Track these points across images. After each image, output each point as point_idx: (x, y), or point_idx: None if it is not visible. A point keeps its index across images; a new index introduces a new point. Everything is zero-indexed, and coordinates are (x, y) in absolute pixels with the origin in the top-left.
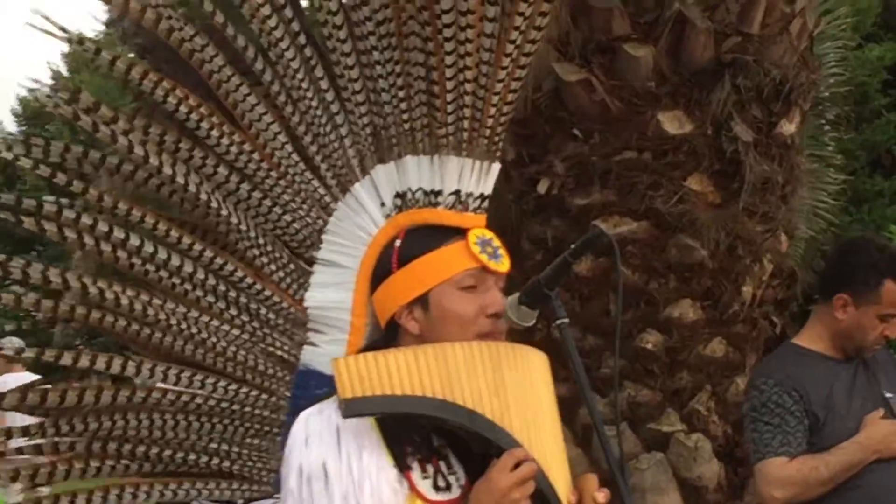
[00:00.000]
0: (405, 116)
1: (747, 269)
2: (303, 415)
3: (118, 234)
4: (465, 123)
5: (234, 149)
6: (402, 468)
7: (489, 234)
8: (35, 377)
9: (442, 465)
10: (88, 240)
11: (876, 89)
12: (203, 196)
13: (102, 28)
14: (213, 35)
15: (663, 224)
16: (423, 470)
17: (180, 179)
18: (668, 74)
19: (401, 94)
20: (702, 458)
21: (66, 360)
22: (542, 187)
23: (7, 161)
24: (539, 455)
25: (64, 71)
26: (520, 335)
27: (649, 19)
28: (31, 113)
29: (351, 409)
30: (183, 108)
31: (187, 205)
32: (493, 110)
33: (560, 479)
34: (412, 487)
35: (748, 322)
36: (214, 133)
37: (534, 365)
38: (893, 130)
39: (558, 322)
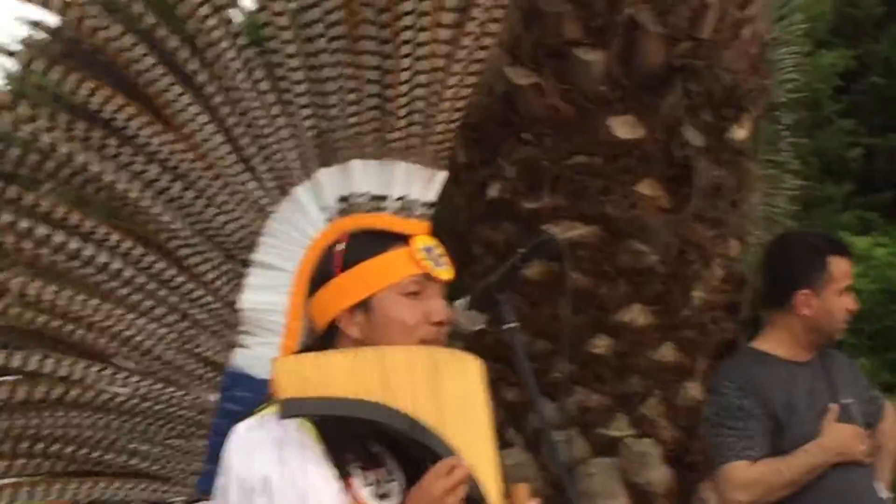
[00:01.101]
0: (353, 120)
1: (698, 274)
2: (241, 426)
3: (42, 230)
4: (417, 129)
5: (164, 148)
6: (343, 476)
7: (433, 242)
8: None
9: (382, 472)
10: (9, 237)
11: (828, 95)
12: (132, 194)
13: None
14: (143, 36)
15: (614, 229)
16: (365, 478)
17: (107, 177)
18: (620, 79)
19: (351, 97)
20: (651, 463)
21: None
22: (492, 191)
23: None
24: (473, 462)
25: None
26: (469, 339)
27: (601, 24)
28: None
29: (288, 409)
30: (109, 107)
31: (115, 203)
32: (443, 116)
33: (492, 489)
34: (354, 496)
35: (698, 327)
36: (144, 132)
37: (470, 371)
38: (845, 137)
39: (507, 326)
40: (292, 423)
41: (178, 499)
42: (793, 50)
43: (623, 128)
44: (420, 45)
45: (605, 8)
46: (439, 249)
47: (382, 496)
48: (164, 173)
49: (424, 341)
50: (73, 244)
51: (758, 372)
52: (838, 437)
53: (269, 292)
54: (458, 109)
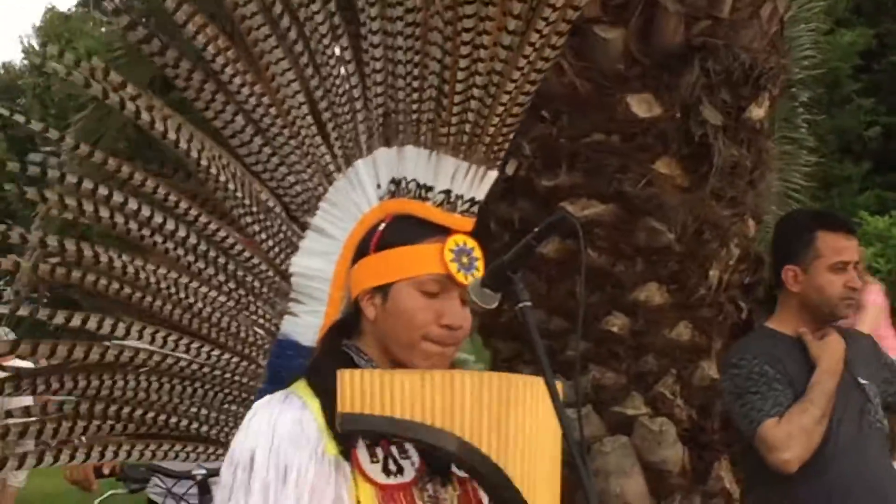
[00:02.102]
0: (414, 107)
1: (714, 253)
2: (258, 402)
3: (118, 198)
4: (468, 127)
5: (252, 100)
6: (348, 451)
7: (471, 244)
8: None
9: (394, 449)
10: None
11: (847, 74)
12: (203, 161)
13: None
14: None
15: (631, 207)
16: (373, 454)
17: (183, 145)
18: (638, 57)
19: (414, 84)
20: (666, 441)
21: (59, 319)
22: (509, 169)
23: None
24: (531, 495)
25: (35, 44)
26: (484, 317)
27: (620, 1)
28: (2, 86)
29: (348, 423)
30: (211, 49)
31: (186, 169)
32: (496, 120)
33: None
34: (359, 471)
35: (714, 306)
36: (237, 80)
37: (540, 398)
38: (864, 116)
39: (520, 305)
40: (298, 401)
41: None
42: (811, 28)
43: (641, 106)
44: (479, 47)
45: None
46: (476, 253)
47: (392, 472)
48: (249, 126)
49: (430, 340)
50: (145, 212)
51: (773, 348)
52: (835, 355)
53: (320, 258)
54: (513, 115)
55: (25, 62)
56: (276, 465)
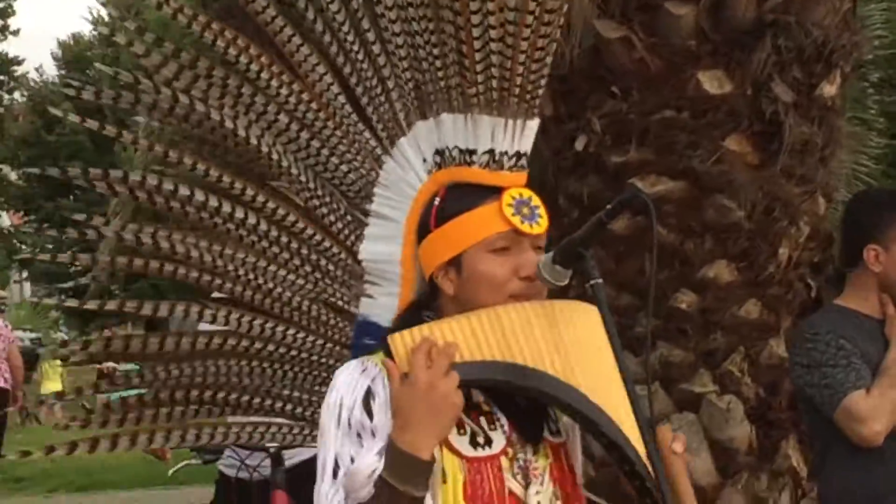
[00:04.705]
0: (440, 74)
1: (784, 231)
2: (346, 364)
3: (183, 191)
4: (494, 83)
5: (293, 98)
6: None
7: (527, 194)
8: None
9: (483, 420)
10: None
11: None
12: (265, 148)
13: None
14: None
15: (700, 184)
16: (460, 426)
17: (242, 132)
18: (709, 33)
19: (435, 51)
20: (734, 419)
21: (146, 310)
22: (579, 144)
23: (46, 104)
24: (611, 409)
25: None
26: (554, 295)
27: None
28: (72, 57)
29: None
30: (244, 58)
31: (251, 156)
32: (521, 69)
33: (633, 434)
34: (445, 443)
35: (783, 284)
36: (274, 82)
37: (589, 318)
38: None
39: (592, 283)
40: (374, 368)
41: None
42: (884, 7)
43: (712, 82)
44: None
45: None
46: (535, 201)
47: (480, 444)
48: (293, 122)
49: (514, 297)
50: (213, 202)
51: (844, 324)
52: None
53: (385, 242)
54: (536, 61)
55: (94, 33)
56: (359, 421)
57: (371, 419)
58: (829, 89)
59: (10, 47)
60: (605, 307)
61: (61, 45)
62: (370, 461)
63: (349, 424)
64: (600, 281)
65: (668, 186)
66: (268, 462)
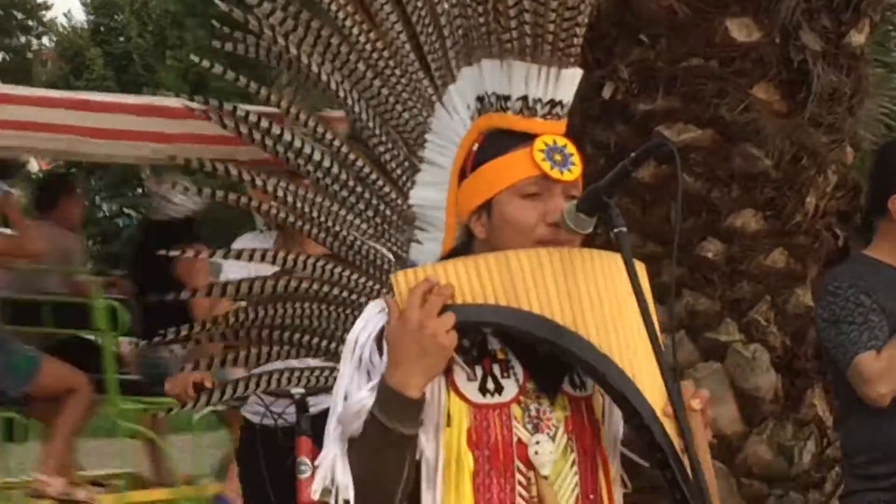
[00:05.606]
0: (481, 20)
1: (811, 179)
2: (370, 303)
3: (274, 128)
4: (528, 28)
5: (369, 46)
6: (445, 370)
7: (562, 141)
8: None
9: (496, 367)
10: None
11: None
12: (341, 93)
13: None
14: None
15: (728, 132)
16: (471, 372)
17: (324, 77)
18: None
19: None
20: (759, 368)
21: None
22: (606, 92)
23: (76, 50)
24: (624, 361)
25: None
26: (582, 244)
27: None
28: (100, 2)
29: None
30: (333, 5)
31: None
32: (553, 16)
33: (651, 388)
34: (454, 387)
35: (810, 233)
36: (356, 31)
37: (616, 271)
38: None
39: (616, 231)
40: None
41: None
42: None
43: (740, 30)
44: None
45: None
46: (569, 149)
47: (490, 391)
48: (368, 70)
49: (542, 242)
50: (297, 142)
51: (869, 276)
52: None
53: (434, 189)
54: (570, 8)
55: None
56: (368, 358)
57: (381, 357)
58: (857, 38)
59: None
60: (629, 256)
61: None
62: (361, 396)
63: (359, 361)
64: (625, 229)
65: (695, 135)
66: (293, 409)
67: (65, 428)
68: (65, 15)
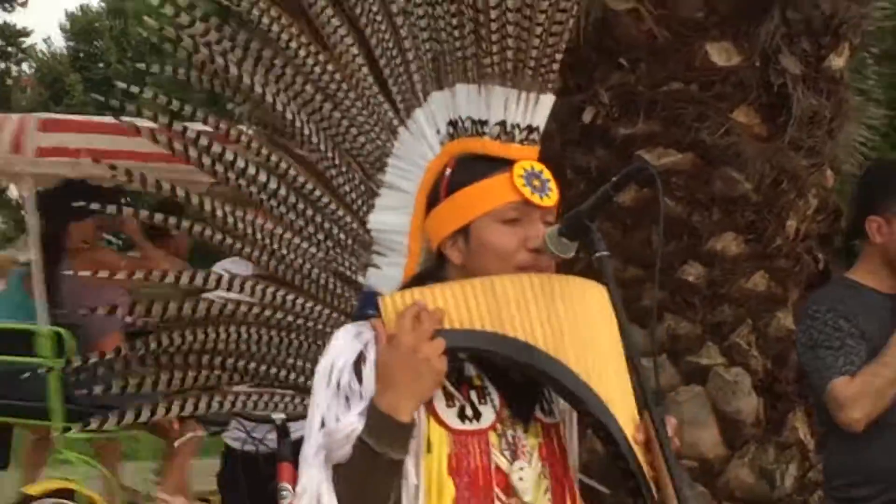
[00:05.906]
0: (458, 44)
1: (792, 203)
2: (341, 329)
3: (241, 162)
4: (510, 53)
5: (318, 69)
6: None
7: (538, 167)
8: None
9: (473, 394)
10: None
11: None
12: (289, 115)
13: None
14: None
15: (708, 156)
16: (449, 399)
17: (269, 98)
18: (717, 5)
19: (454, 20)
20: (741, 392)
21: (170, 278)
22: (586, 116)
23: (55, 76)
24: (600, 387)
25: None
26: (561, 268)
27: None
28: (80, 28)
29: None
30: (275, 28)
31: (277, 125)
32: (537, 41)
33: (623, 414)
34: (433, 414)
35: (791, 257)
36: (302, 53)
37: (590, 297)
38: None
39: (598, 255)
40: (369, 333)
41: None
42: None
43: (720, 54)
44: None
45: None
46: (546, 175)
47: (468, 418)
48: (318, 94)
49: (522, 268)
50: (240, 163)
51: (849, 299)
52: None
53: (395, 213)
54: (553, 34)
55: (102, 4)
56: (347, 383)
57: (360, 383)
58: (837, 61)
59: (18, 18)
60: (611, 280)
61: (69, 16)
62: (350, 420)
63: (338, 387)
64: (606, 253)
65: (675, 159)
66: (274, 434)
67: None
68: (44, 41)
